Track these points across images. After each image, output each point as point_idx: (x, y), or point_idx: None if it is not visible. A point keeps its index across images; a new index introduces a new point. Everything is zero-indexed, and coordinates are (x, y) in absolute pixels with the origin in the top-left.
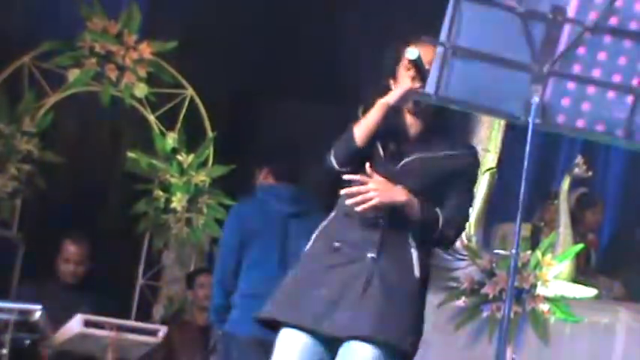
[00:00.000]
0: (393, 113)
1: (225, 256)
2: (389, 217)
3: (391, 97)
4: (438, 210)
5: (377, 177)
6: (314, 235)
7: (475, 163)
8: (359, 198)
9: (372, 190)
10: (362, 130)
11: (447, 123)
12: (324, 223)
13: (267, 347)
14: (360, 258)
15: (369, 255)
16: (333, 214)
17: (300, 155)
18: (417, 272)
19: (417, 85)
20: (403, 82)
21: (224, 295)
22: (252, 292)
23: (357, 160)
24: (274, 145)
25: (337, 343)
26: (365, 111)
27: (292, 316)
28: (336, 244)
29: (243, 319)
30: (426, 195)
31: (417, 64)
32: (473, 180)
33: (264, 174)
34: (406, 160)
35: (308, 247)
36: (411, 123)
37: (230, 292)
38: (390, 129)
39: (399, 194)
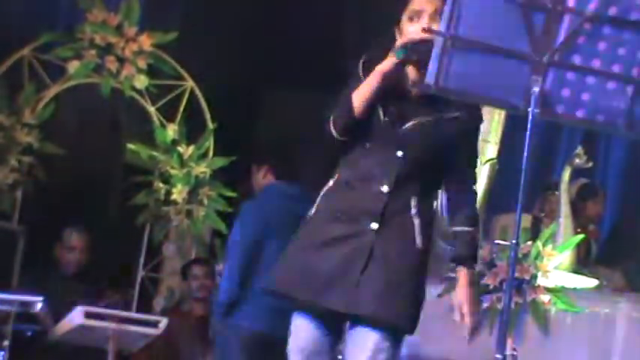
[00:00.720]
0: (397, 73)
1: (241, 252)
2: (392, 187)
3: (386, 65)
4: (470, 230)
5: (465, 310)
6: (317, 200)
7: (479, 124)
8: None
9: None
10: (360, 100)
11: None
12: (326, 188)
13: (271, 344)
14: (362, 230)
15: (371, 227)
16: (334, 178)
17: (299, 151)
18: (419, 242)
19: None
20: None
21: (235, 291)
22: (252, 285)
23: (356, 128)
24: (272, 141)
25: (340, 318)
26: (365, 64)
27: (294, 289)
28: (338, 214)
29: (255, 315)
30: (427, 159)
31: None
32: (477, 140)
33: (263, 172)
34: (407, 125)
35: (311, 212)
36: (415, 81)
37: (240, 289)
38: (391, 90)
39: (476, 301)
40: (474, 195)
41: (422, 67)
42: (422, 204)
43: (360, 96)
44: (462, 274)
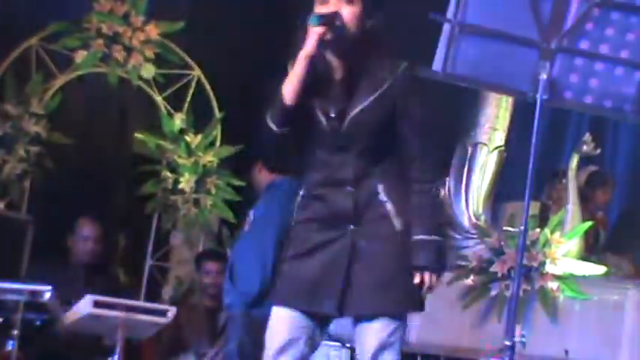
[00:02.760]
0: (323, 67)
1: (274, 244)
2: (356, 184)
3: (306, 47)
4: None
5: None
6: (294, 211)
7: (410, 83)
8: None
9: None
10: (288, 87)
11: (373, 47)
12: (298, 199)
13: None
14: (340, 234)
15: (349, 228)
16: (303, 191)
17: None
18: (397, 225)
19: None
20: (311, 30)
21: (268, 282)
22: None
23: (292, 119)
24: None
25: (329, 318)
26: (292, 62)
27: (289, 300)
28: (315, 225)
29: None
30: (377, 144)
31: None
32: (415, 99)
33: (258, 167)
34: (347, 120)
35: (292, 224)
36: (337, 67)
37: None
38: (321, 85)
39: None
40: (424, 171)
41: (339, 49)
42: (391, 185)
43: (287, 84)
44: None
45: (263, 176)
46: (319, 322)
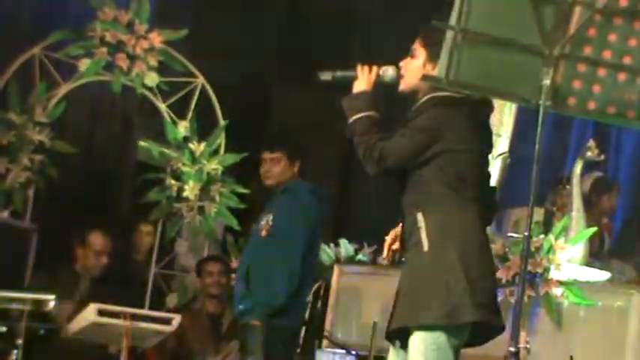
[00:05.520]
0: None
1: (299, 256)
2: (404, 216)
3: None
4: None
5: None
6: None
7: (420, 114)
8: None
9: None
10: None
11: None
12: None
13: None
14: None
15: (404, 258)
16: None
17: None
18: (425, 247)
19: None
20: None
21: (292, 295)
22: (300, 284)
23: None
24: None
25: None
26: None
27: None
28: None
29: (294, 314)
30: (403, 171)
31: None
32: (415, 125)
33: (279, 156)
34: None
35: None
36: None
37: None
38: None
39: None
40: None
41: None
42: (429, 212)
43: None
44: None
45: (281, 168)
46: None
